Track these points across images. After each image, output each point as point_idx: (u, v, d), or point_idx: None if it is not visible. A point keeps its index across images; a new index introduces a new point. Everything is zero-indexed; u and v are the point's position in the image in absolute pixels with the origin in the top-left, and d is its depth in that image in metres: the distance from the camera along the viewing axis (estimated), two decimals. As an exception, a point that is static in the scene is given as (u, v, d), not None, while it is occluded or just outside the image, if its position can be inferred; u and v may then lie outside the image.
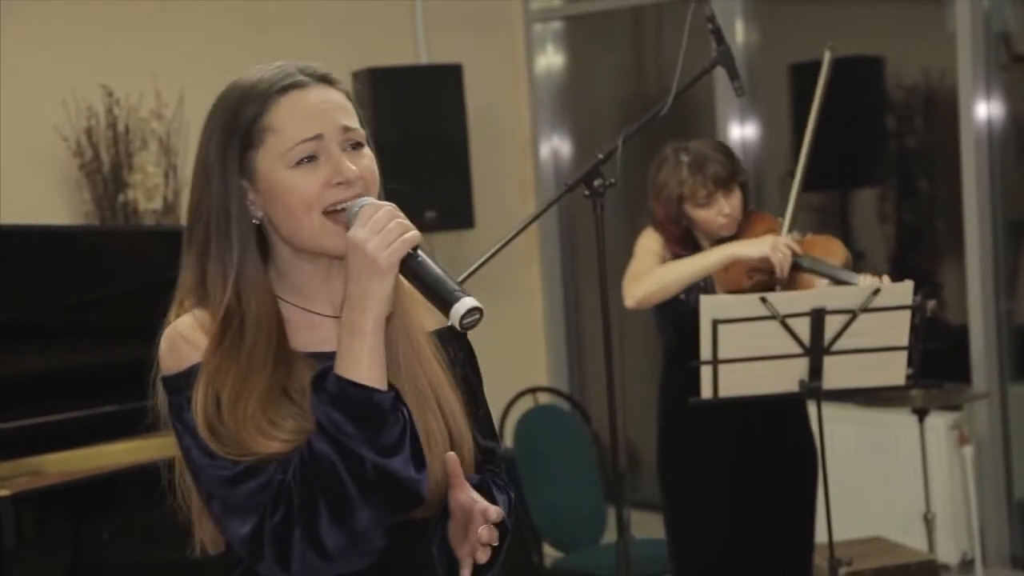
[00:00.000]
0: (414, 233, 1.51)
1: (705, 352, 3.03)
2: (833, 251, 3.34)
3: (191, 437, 1.53)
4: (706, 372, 3.04)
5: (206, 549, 1.64)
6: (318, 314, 1.61)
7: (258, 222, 1.59)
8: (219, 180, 1.58)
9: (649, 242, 3.43)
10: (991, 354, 4.68)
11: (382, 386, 1.50)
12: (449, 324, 1.52)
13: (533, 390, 4.85)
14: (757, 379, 3.05)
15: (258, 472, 1.50)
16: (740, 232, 3.38)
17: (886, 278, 3.17)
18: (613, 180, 2.90)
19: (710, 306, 3.02)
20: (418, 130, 4.92)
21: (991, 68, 4.65)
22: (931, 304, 3.11)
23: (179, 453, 1.58)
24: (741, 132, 5.20)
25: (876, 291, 3.02)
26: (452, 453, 1.58)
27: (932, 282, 5.07)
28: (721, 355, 3.02)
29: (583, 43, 5.81)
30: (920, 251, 5.27)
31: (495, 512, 1.57)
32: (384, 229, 1.50)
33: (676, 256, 3.37)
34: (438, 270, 1.52)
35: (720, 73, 3.16)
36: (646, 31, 5.85)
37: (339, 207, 1.56)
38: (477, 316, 1.49)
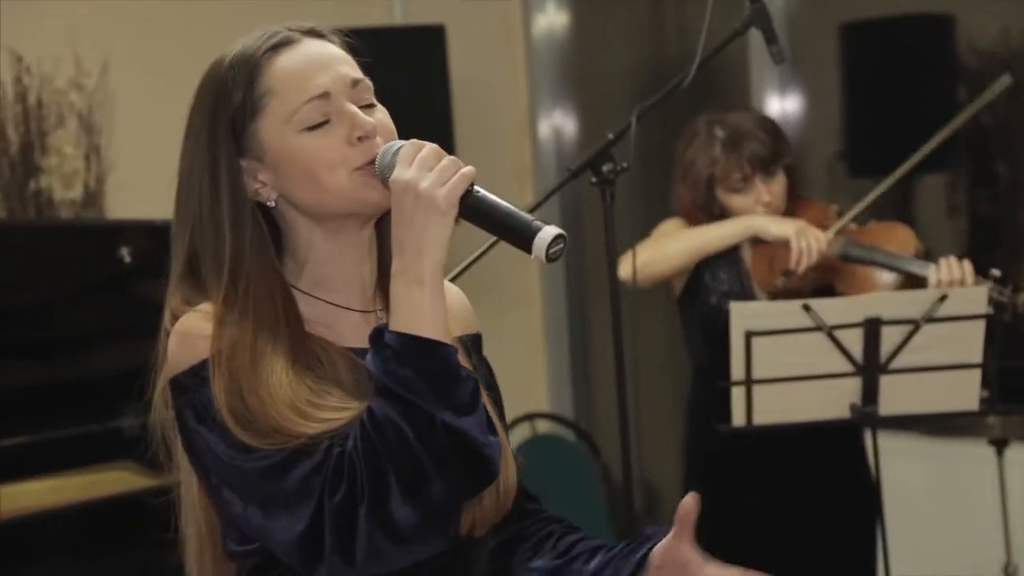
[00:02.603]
0: (470, 168, 1.61)
1: (737, 370, 3.04)
2: (899, 239, 3.35)
3: (219, 436, 1.59)
4: (738, 394, 3.06)
5: None
6: (343, 307, 1.70)
7: (273, 204, 1.68)
8: (207, 159, 1.67)
9: (668, 227, 3.45)
10: (1083, 373, 4.70)
11: (446, 339, 1.57)
12: (472, 332, 1.61)
13: (531, 416, 4.87)
14: (800, 403, 3.07)
15: (310, 451, 1.56)
16: None
17: (967, 264, 3.18)
18: (626, 165, 2.91)
19: (742, 315, 3.04)
20: (392, 105, 4.93)
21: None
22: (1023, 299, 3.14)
23: (185, 473, 1.66)
24: (781, 106, 5.22)
25: (943, 297, 3.03)
26: (693, 494, 1.66)
27: (1011, 284, 5.08)
28: (756, 374, 3.04)
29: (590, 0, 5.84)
30: (998, 248, 5.28)
31: None
32: (438, 167, 1.59)
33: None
34: (503, 203, 1.60)
35: (755, 36, 3.18)
36: (666, -16, 5.89)
37: (364, 164, 1.64)
38: (562, 244, 1.57)
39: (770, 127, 3.42)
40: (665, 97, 3.03)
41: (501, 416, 1.79)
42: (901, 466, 4.78)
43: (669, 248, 3.36)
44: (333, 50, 1.71)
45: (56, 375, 3.75)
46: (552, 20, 5.79)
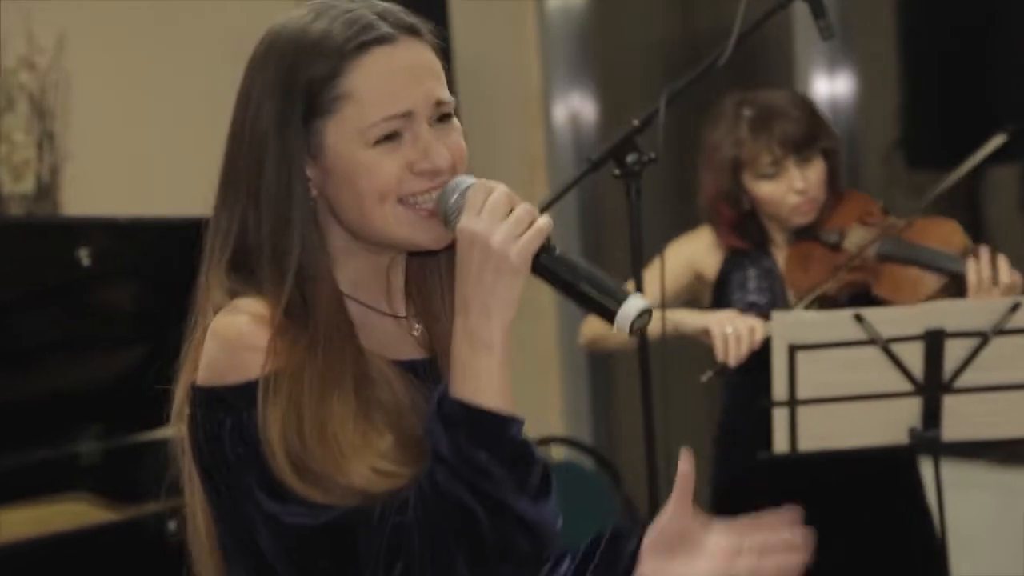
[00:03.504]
0: (546, 219, 1.63)
1: (779, 390, 3.04)
2: (943, 235, 3.35)
3: (257, 474, 1.58)
4: (781, 417, 3.05)
5: None
6: (378, 311, 1.74)
7: (314, 199, 1.70)
8: (278, 150, 1.68)
9: (687, 244, 3.46)
10: None
11: (515, 414, 1.61)
12: None
13: (544, 441, 4.86)
14: (851, 427, 3.07)
15: (364, 515, 1.57)
16: (823, 219, 3.40)
17: (1002, 260, 3.18)
18: (653, 155, 2.92)
19: (785, 326, 3.04)
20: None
21: None
22: None
23: (202, 503, 1.67)
24: (830, 88, 5.21)
25: (1015, 306, 3.03)
26: (687, 452, 1.73)
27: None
28: (801, 394, 3.03)
29: (612, -34, 5.85)
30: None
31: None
32: (511, 217, 1.61)
33: (734, 252, 3.40)
34: (583, 263, 1.64)
35: (800, 8, 3.18)
36: (699, -50, 5.89)
37: (420, 199, 1.68)
38: (648, 318, 1.62)
39: (804, 105, 3.43)
40: (697, 78, 3.03)
41: None
42: (967, 499, 4.77)
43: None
44: (427, 59, 1.72)
45: (1, 394, 3.75)
46: (569, -10, 5.80)
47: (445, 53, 4.58)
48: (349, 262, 1.74)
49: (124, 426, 3.57)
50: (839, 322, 3.03)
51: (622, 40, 5.88)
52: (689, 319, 3.34)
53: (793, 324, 3.05)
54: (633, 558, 1.78)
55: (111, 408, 3.58)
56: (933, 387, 3.06)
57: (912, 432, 3.09)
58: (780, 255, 3.47)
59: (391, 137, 1.68)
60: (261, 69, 1.71)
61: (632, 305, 1.61)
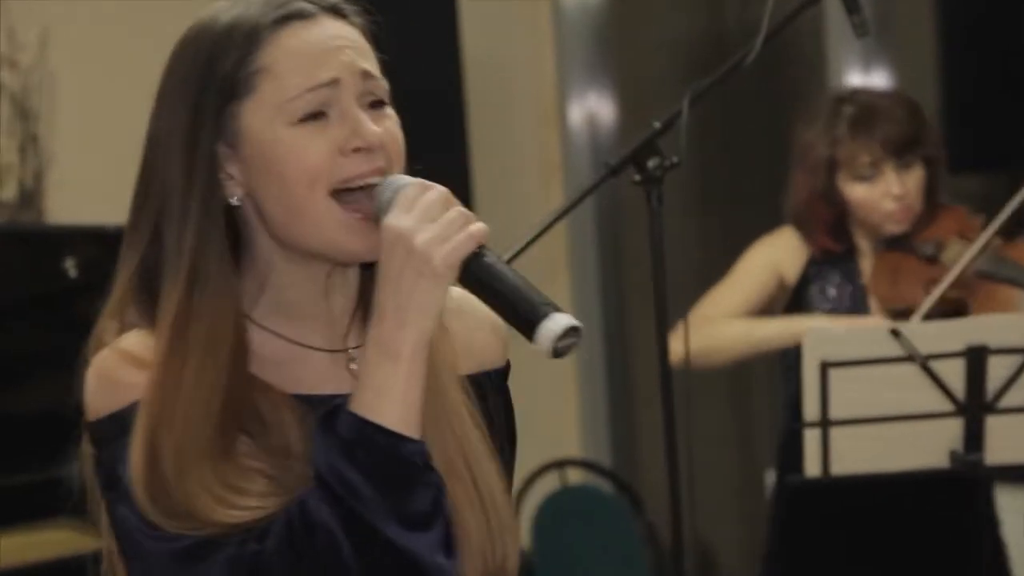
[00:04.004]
0: (480, 225, 1.59)
1: (811, 410, 3.05)
2: None
3: (128, 504, 1.58)
4: (812, 438, 3.06)
5: None
6: (307, 347, 1.69)
7: (238, 203, 1.66)
8: (185, 137, 1.65)
9: (763, 253, 3.48)
10: None
11: (414, 434, 1.57)
12: (492, 368, 1.64)
13: (560, 464, 4.87)
14: (887, 449, 3.08)
15: (221, 545, 1.55)
16: (917, 231, 3.41)
17: None
18: (676, 159, 2.92)
19: (817, 342, 3.04)
20: (394, 86, 4.94)
21: None
22: None
23: (109, 537, 1.65)
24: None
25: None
26: None
27: None
28: (834, 414, 3.04)
29: (632, -42, 5.85)
30: None
31: None
32: (442, 219, 1.57)
33: (817, 258, 3.40)
34: (513, 274, 1.59)
35: (833, 2, 3.18)
36: (723, -59, 5.89)
37: (354, 185, 1.63)
38: (575, 339, 1.56)
39: (912, 108, 3.46)
40: (723, 78, 3.03)
41: (509, 474, 1.77)
42: (1017, 527, 4.75)
43: (721, 340, 3.41)
44: (351, 34, 1.69)
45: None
46: (586, -16, 5.81)
47: (453, 52, 4.52)
48: (278, 281, 1.68)
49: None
50: (874, 337, 3.04)
51: (642, 37, 5.88)
52: (775, 330, 3.34)
53: (825, 339, 3.06)
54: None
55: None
56: (975, 407, 3.06)
57: (953, 455, 3.09)
58: (865, 265, 3.48)
59: (316, 116, 1.64)
60: (181, 46, 1.69)
61: (557, 322, 1.55)
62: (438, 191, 1.61)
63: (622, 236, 5.77)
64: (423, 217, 1.57)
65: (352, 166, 1.64)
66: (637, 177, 2.93)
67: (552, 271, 5.65)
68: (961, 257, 3.37)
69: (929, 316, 3.31)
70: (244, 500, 1.57)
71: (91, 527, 1.72)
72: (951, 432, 3.08)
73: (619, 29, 5.83)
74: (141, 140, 1.70)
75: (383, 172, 1.65)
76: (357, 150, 1.64)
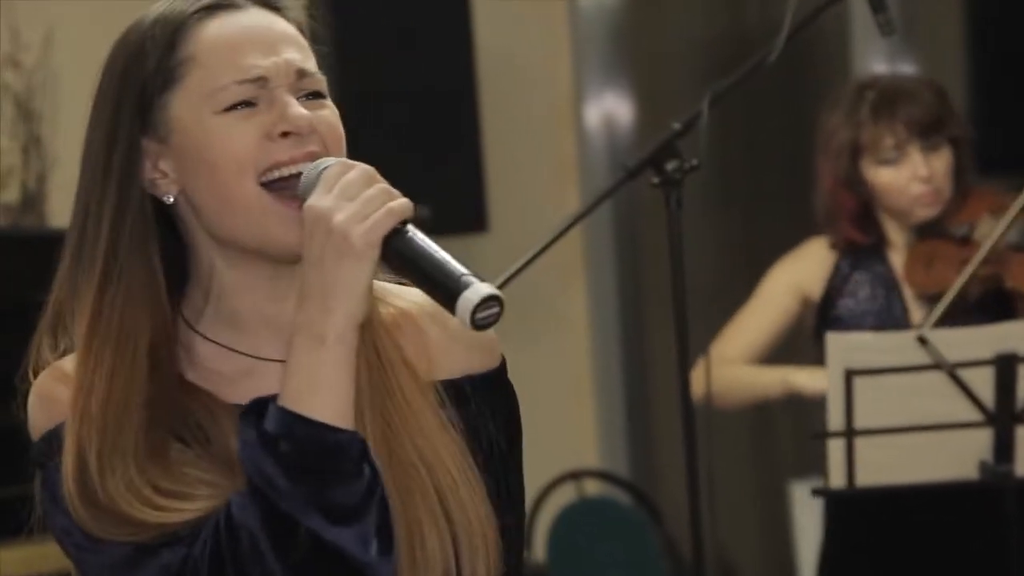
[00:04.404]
0: (402, 201, 1.57)
1: (835, 418, 3.04)
2: None
3: (68, 518, 1.59)
4: (836, 448, 3.06)
5: None
6: (259, 358, 1.67)
7: (171, 200, 1.65)
8: (104, 139, 1.66)
9: (784, 273, 3.49)
10: None
11: (345, 423, 1.55)
12: (479, 372, 1.62)
13: (576, 475, 4.86)
14: (914, 460, 3.07)
15: (157, 550, 1.55)
16: (948, 216, 3.40)
17: None
18: (696, 162, 2.92)
19: (841, 348, 3.04)
20: (403, 85, 4.95)
21: None
22: None
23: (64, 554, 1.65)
24: (889, 87, 5.21)
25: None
26: None
27: None
28: (859, 423, 3.03)
29: (650, -46, 5.85)
30: None
31: None
32: (361, 196, 1.56)
33: (851, 246, 3.40)
34: (436, 250, 1.58)
35: (858, 2, 3.18)
36: (744, -64, 5.89)
37: (285, 173, 1.62)
38: (496, 308, 1.55)
39: (936, 89, 3.45)
40: (744, 78, 3.04)
41: (505, 479, 1.72)
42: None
43: (732, 385, 3.43)
44: (284, 28, 1.68)
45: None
46: (603, -19, 5.81)
47: (466, 51, 4.51)
48: (223, 289, 1.67)
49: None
50: (901, 345, 3.04)
51: (661, 35, 5.88)
52: (809, 382, 3.35)
53: (850, 347, 3.06)
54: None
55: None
56: (1005, 417, 3.05)
57: (982, 466, 3.08)
58: (897, 259, 3.47)
59: (245, 104, 1.63)
60: (111, 51, 1.70)
61: (473, 292, 1.54)
62: (360, 169, 1.59)
63: (640, 239, 5.76)
64: (342, 196, 1.56)
65: (280, 151, 1.63)
66: (656, 180, 2.94)
67: (568, 275, 5.65)
68: (995, 231, 3.35)
69: (964, 294, 3.29)
70: (175, 503, 1.56)
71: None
72: (980, 442, 3.08)
73: (637, 27, 5.83)
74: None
75: (315, 157, 1.63)
76: (285, 135, 1.63)
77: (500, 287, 2.81)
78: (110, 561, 1.58)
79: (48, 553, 3.56)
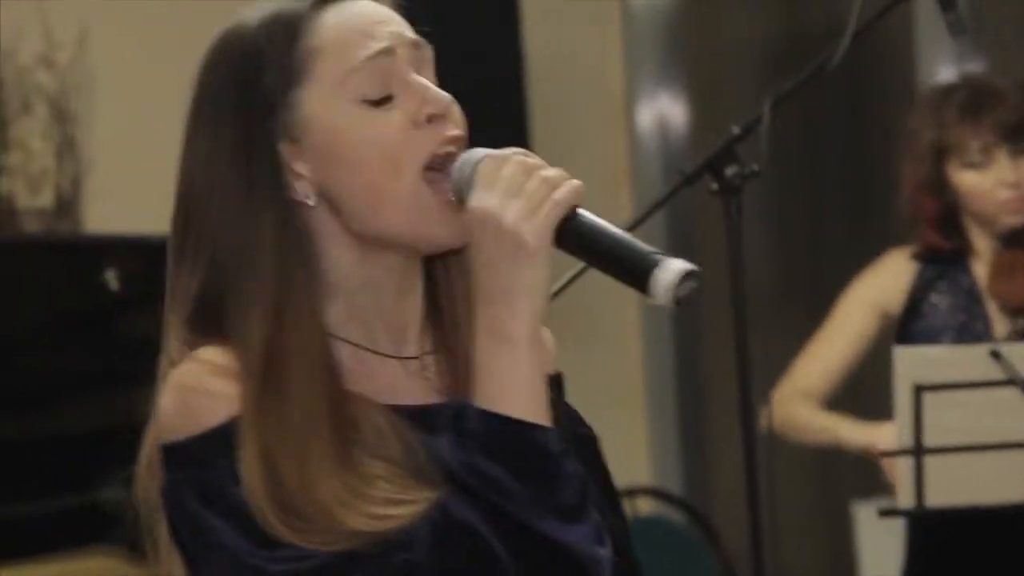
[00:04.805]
0: (567, 188, 1.61)
1: (903, 435, 3.02)
2: None
3: (235, 525, 1.58)
4: (905, 468, 3.04)
5: None
6: (378, 353, 1.69)
7: (313, 203, 1.66)
8: (235, 151, 1.65)
9: (863, 290, 3.48)
10: None
11: (545, 421, 1.58)
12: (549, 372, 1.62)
13: (629, 492, 4.84)
14: (987, 480, 3.05)
15: (361, 558, 1.56)
16: None
17: None
18: (756, 167, 2.90)
19: (910, 363, 3.03)
20: (451, 86, 4.94)
21: None
22: None
23: (170, 563, 1.65)
24: (957, 90, 5.17)
25: None
26: None
27: None
28: (929, 441, 3.01)
29: (706, -50, 5.84)
30: None
31: None
32: (524, 190, 1.59)
33: (933, 253, 3.39)
34: (612, 230, 1.60)
35: (923, 0, 3.16)
36: (804, -68, 5.87)
37: (440, 157, 1.64)
38: (693, 283, 1.57)
39: None
40: (806, 80, 3.02)
41: (612, 494, 1.77)
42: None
43: (796, 424, 3.44)
44: (391, 12, 1.72)
45: (18, 433, 3.78)
46: (657, -22, 5.80)
47: (514, 51, 4.50)
48: (352, 288, 1.68)
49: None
50: (972, 359, 3.02)
51: (716, 34, 5.88)
52: (852, 436, 3.36)
53: (919, 361, 3.05)
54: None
55: (138, 452, 3.59)
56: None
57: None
58: (980, 269, 3.45)
59: (383, 101, 1.65)
60: (209, 60, 1.70)
61: (670, 268, 1.56)
62: (515, 161, 1.61)
63: (694, 245, 5.74)
64: (505, 192, 1.59)
65: (428, 137, 1.65)
66: (714, 186, 2.92)
67: (622, 289, 5.62)
68: None
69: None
70: (374, 508, 1.58)
71: (136, 554, 1.72)
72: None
73: (692, 26, 5.83)
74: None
75: (460, 141, 1.67)
76: (431, 119, 1.65)
77: (552, 297, 2.82)
78: (299, 570, 1.55)
79: (84, 569, 3.58)
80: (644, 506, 4.98)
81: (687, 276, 1.56)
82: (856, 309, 3.49)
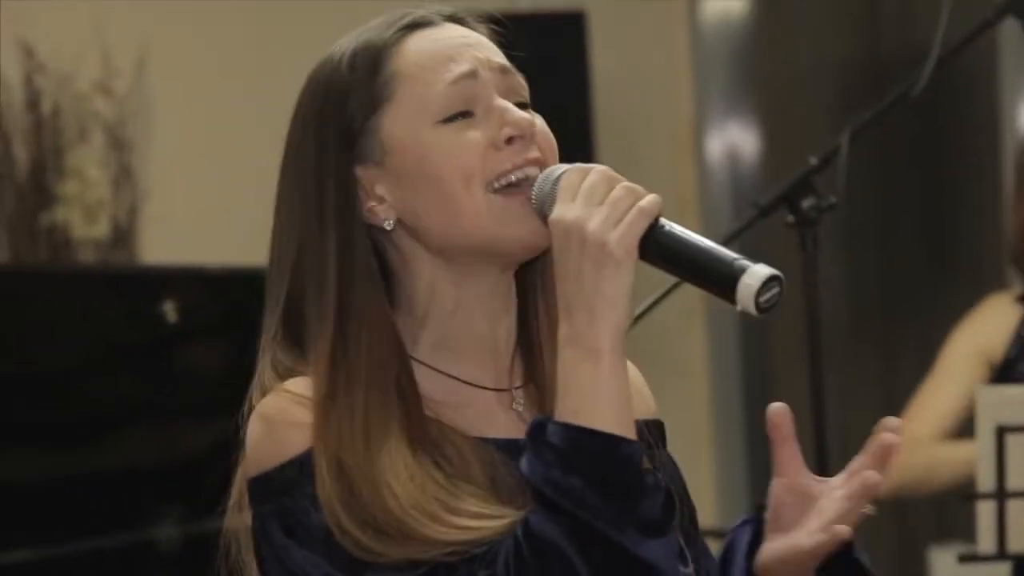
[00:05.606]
0: (652, 197, 1.62)
1: (985, 479, 3.01)
2: None
3: (321, 552, 1.60)
4: (986, 512, 3.02)
5: None
6: (475, 386, 1.72)
7: (391, 226, 1.70)
8: (312, 175, 1.70)
9: (965, 338, 3.47)
10: None
11: (629, 434, 1.59)
12: (652, 418, 1.68)
13: (696, 534, 4.82)
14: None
15: (448, 571, 1.58)
16: None
17: None
18: (834, 199, 2.90)
19: (993, 404, 3.02)
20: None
21: None
22: None
23: None
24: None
25: None
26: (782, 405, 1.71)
27: None
28: (1012, 484, 2.99)
29: (779, -26, 5.83)
30: None
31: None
32: (608, 200, 1.60)
33: None
34: (697, 238, 1.61)
35: (1011, 27, 3.14)
36: (881, -45, 5.85)
37: (513, 179, 1.67)
38: (777, 289, 1.58)
39: None
40: (886, 110, 3.01)
41: (696, 530, 1.82)
42: None
43: (930, 469, 3.45)
44: (478, 36, 1.75)
45: (71, 468, 3.79)
46: (727, 3, 5.79)
47: (582, 78, 4.50)
48: (441, 310, 1.71)
49: (209, 508, 3.58)
50: (1058, 400, 3.01)
51: (789, 59, 5.87)
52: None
53: (1001, 402, 3.04)
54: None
55: (195, 487, 3.59)
56: None
57: None
58: None
59: (462, 116, 1.68)
60: (305, 89, 1.75)
61: (755, 274, 1.57)
62: (598, 172, 1.63)
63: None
64: (588, 202, 1.60)
65: (506, 158, 1.68)
66: (791, 219, 2.91)
67: (688, 318, 5.63)
68: None
69: None
70: (455, 518, 1.59)
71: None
72: None
73: (763, 51, 5.82)
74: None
75: (539, 163, 1.69)
76: (510, 141, 1.68)
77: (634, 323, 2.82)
78: None
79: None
80: (712, 548, 4.97)
81: (772, 281, 1.57)
82: (960, 358, 3.47)
